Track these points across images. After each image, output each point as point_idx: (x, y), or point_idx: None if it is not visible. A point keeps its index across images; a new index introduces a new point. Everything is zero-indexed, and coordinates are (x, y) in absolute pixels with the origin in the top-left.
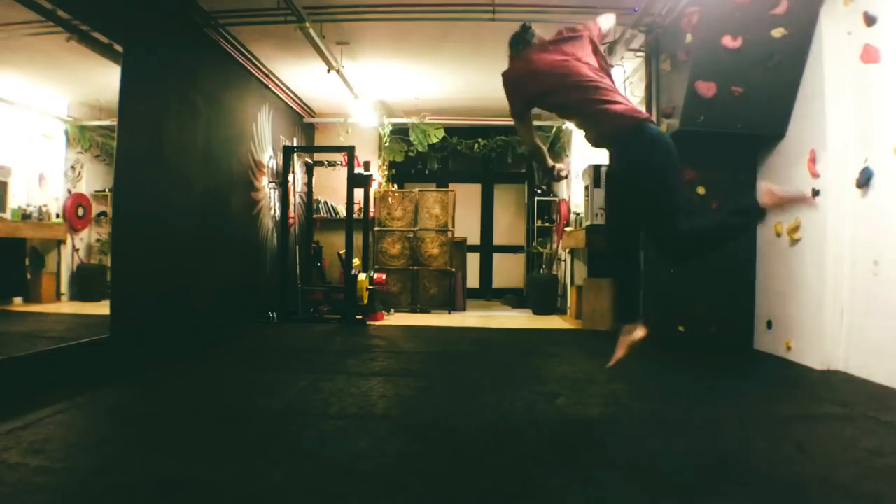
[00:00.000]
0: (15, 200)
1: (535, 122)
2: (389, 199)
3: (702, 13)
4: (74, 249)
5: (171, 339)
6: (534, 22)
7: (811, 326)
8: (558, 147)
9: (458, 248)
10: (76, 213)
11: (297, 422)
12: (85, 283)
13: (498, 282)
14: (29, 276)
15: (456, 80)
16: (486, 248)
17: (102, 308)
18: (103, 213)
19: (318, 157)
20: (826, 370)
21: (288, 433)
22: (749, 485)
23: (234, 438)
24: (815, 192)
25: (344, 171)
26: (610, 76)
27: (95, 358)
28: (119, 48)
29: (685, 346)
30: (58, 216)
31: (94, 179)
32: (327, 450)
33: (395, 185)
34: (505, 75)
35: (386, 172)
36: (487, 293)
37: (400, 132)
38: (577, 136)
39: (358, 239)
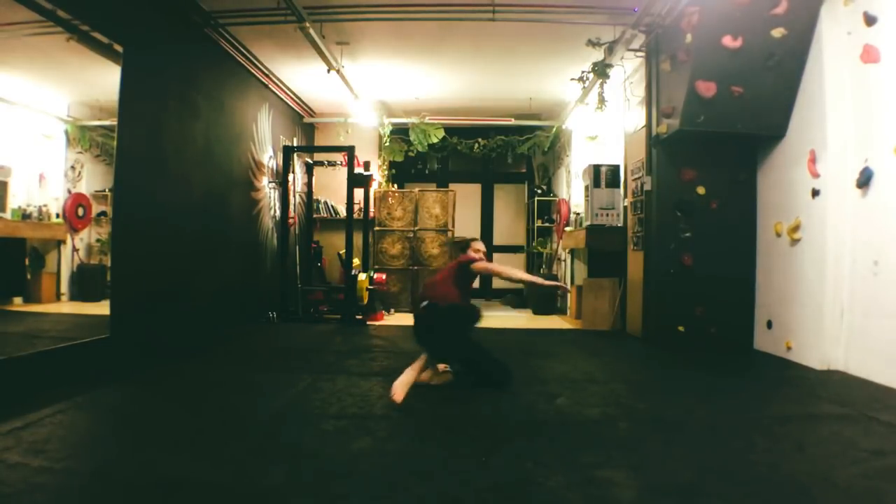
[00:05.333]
0: (15, 200)
1: (535, 122)
2: (389, 199)
3: (702, 13)
4: (74, 249)
5: (171, 339)
6: (533, 22)
7: (811, 326)
8: (558, 147)
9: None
10: (76, 213)
11: (298, 422)
12: (85, 283)
13: (498, 281)
14: (29, 276)
15: (456, 80)
16: (486, 248)
17: (102, 308)
18: (103, 213)
19: (318, 157)
20: (826, 370)
21: (288, 433)
22: (749, 485)
23: (234, 438)
24: (815, 192)
25: (344, 171)
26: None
27: (95, 358)
28: (119, 48)
29: (685, 346)
30: (58, 216)
31: (94, 179)
32: (327, 450)
33: (395, 185)
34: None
35: (386, 172)
36: (487, 293)
37: (400, 132)
38: (577, 136)
39: (358, 239)
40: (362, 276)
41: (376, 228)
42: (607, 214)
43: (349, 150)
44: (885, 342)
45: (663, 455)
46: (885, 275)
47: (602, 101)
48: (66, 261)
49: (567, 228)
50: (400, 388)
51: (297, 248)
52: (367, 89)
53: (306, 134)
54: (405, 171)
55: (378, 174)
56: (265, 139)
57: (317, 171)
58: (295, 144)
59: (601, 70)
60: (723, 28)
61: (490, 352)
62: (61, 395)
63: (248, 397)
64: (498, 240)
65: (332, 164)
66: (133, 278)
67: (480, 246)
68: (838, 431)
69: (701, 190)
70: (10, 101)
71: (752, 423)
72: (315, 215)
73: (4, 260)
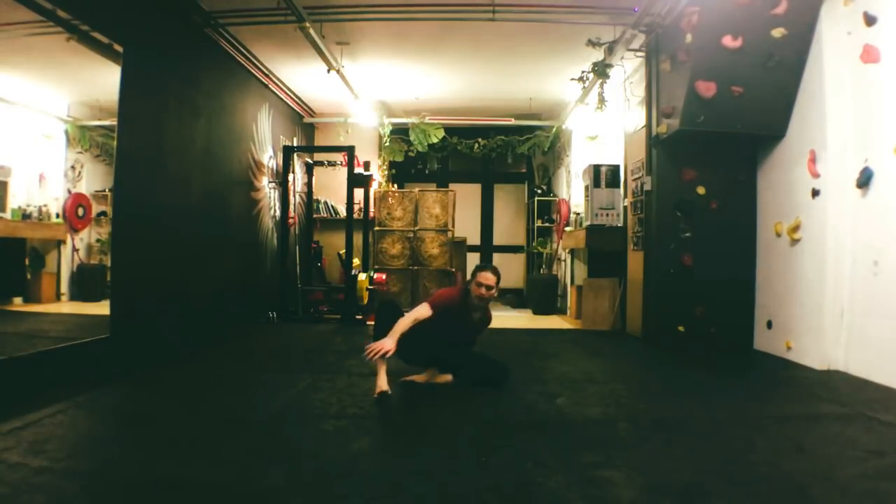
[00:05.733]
0: (15, 200)
1: (535, 122)
2: (389, 199)
3: (702, 13)
4: (74, 249)
5: (171, 339)
6: (533, 22)
7: (811, 326)
8: (558, 147)
9: (458, 248)
10: (76, 213)
11: (297, 422)
12: (85, 283)
13: None
14: (29, 276)
15: (456, 80)
16: (486, 248)
17: (102, 308)
18: (103, 213)
19: (318, 157)
20: (826, 370)
21: (288, 433)
22: (749, 485)
23: (233, 438)
24: (815, 192)
25: (344, 171)
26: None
27: (95, 358)
28: (119, 48)
29: (685, 346)
30: (58, 216)
31: (94, 179)
32: (327, 450)
33: (395, 185)
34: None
35: (386, 172)
36: None
37: (400, 132)
38: (577, 136)
39: (358, 239)
40: (362, 276)
41: (376, 228)
42: (607, 214)
43: (349, 150)
44: (885, 342)
45: (663, 455)
46: (885, 275)
47: (602, 101)
48: (66, 261)
49: (567, 228)
50: (379, 384)
51: (297, 248)
52: (367, 89)
53: (306, 134)
54: (405, 171)
55: (378, 174)
56: (265, 139)
57: (317, 171)
58: (295, 144)
59: (601, 70)
60: (723, 28)
61: (484, 354)
62: (61, 395)
63: (248, 397)
64: (498, 240)
65: (332, 164)
66: (133, 278)
67: (484, 279)
68: (838, 431)
69: (701, 190)
70: (10, 101)
71: (752, 423)
72: (315, 215)
73: (4, 260)
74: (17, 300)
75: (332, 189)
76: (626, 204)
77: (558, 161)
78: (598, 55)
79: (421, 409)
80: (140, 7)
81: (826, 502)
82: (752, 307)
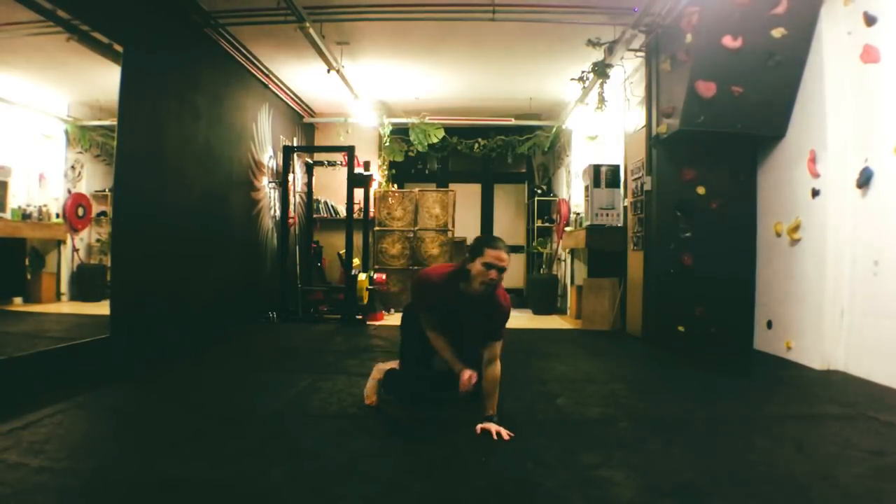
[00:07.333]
0: (15, 200)
1: (535, 122)
2: (389, 199)
3: (702, 13)
4: (74, 249)
5: (171, 339)
6: (533, 22)
7: (811, 326)
8: (558, 147)
9: (459, 248)
10: (76, 213)
11: (297, 422)
12: (85, 283)
13: None
14: (29, 276)
15: (456, 80)
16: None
17: (102, 308)
18: (103, 213)
19: (318, 157)
20: (826, 370)
21: (288, 433)
22: (749, 484)
23: (233, 438)
24: (815, 192)
25: (344, 171)
26: None
27: (95, 358)
28: (119, 48)
29: (685, 346)
30: (58, 216)
31: (94, 179)
32: (327, 450)
33: (395, 185)
34: None
35: (386, 172)
36: None
37: (400, 132)
38: (577, 136)
39: (358, 239)
40: (362, 276)
41: (376, 228)
42: (607, 214)
43: (349, 150)
44: (885, 342)
45: (663, 455)
46: (885, 275)
47: (602, 101)
48: (66, 261)
49: (567, 228)
50: (369, 394)
51: (297, 248)
52: (367, 89)
53: (306, 134)
54: (405, 171)
55: (378, 174)
56: (265, 139)
57: (317, 171)
58: (295, 144)
59: (601, 70)
60: (723, 28)
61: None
62: (61, 395)
63: (248, 397)
64: None
65: (332, 164)
66: (133, 278)
67: (496, 259)
68: (838, 431)
69: (701, 190)
70: (10, 101)
71: (752, 423)
72: (315, 215)
73: (4, 260)
74: (17, 300)
75: (332, 189)
76: (626, 204)
77: (558, 161)
78: (598, 55)
79: (421, 409)
80: (140, 7)
81: (826, 502)
82: (752, 307)
